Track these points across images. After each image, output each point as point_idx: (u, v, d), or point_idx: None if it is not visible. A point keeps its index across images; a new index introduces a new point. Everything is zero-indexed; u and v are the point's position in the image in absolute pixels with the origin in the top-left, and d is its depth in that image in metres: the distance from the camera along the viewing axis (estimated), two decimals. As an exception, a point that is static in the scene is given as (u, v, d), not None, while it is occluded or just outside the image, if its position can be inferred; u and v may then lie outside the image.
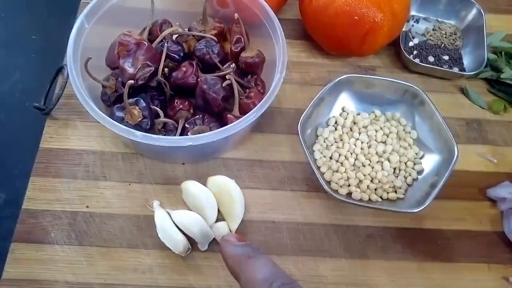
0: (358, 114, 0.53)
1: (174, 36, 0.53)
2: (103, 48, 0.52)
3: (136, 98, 0.46)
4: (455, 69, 0.57)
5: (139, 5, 0.51)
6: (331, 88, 0.51)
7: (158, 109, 0.48)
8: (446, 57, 0.57)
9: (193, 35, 0.53)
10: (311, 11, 0.52)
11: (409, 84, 0.51)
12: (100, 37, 0.51)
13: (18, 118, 0.54)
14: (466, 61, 0.58)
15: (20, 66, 0.57)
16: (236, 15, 0.50)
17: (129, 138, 0.41)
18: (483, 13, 0.59)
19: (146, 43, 0.48)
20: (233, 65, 0.50)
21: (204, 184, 0.47)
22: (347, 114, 0.53)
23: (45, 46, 0.59)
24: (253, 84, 0.52)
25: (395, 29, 0.52)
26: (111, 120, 0.42)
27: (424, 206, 0.44)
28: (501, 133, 0.54)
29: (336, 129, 0.52)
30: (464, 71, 0.57)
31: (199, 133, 0.46)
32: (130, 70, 0.47)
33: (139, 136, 0.41)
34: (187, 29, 0.55)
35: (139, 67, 0.47)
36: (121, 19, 0.51)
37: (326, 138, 0.51)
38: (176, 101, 0.49)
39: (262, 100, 0.45)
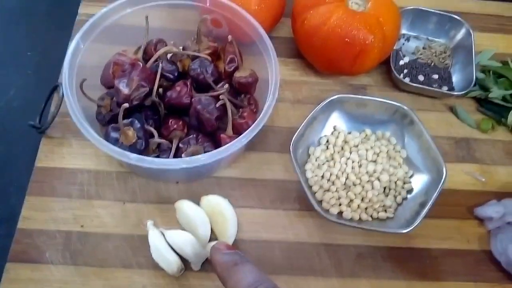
0: (349, 133, 0.54)
1: (169, 55, 0.54)
2: (99, 66, 0.53)
3: (130, 119, 0.47)
4: (444, 88, 0.58)
5: (135, 23, 0.52)
6: (322, 107, 0.52)
7: (152, 129, 0.48)
8: (435, 76, 0.59)
9: (188, 55, 0.54)
10: (303, 32, 0.53)
11: (399, 104, 0.52)
12: (96, 55, 0.52)
13: (13, 135, 0.54)
14: (456, 79, 0.60)
15: (15, 83, 0.57)
16: (229, 37, 0.50)
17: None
18: (471, 32, 0.60)
19: (140, 64, 0.49)
20: (227, 85, 0.50)
21: (198, 203, 0.47)
22: (339, 133, 0.54)
23: (41, 63, 0.59)
24: (246, 104, 0.53)
25: (385, 50, 0.53)
26: (106, 142, 0.43)
27: (412, 227, 0.45)
28: (489, 151, 0.56)
29: (327, 148, 0.53)
30: (453, 89, 0.58)
31: (193, 154, 0.48)
32: (125, 90, 0.47)
33: (133, 159, 0.42)
34: (181, 48, 0.56)
35: (133, 87, 0.47)
36: (117, 37, 0.52)
37: (318, 157, 0.52)
38: (170, 121, 0.50)
39: (255, 122, 0.46)
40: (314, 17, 0.51)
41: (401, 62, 0.60)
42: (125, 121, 0.47)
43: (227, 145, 0.44)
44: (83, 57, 0.49)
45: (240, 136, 0.45)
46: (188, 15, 0.55)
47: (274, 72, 0.49)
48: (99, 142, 0.42)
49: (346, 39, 0.50)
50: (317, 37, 0.52)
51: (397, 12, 0.54)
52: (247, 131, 0.46)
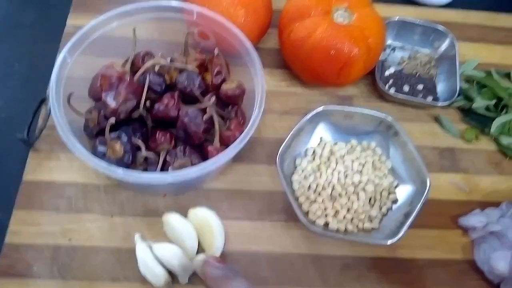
0: (336, 143, 0.55)
1: (157, 67, 0.54)
2: (87, 78, 0.53)
3: (117, 132, 0.47)
4: (429, 98, 0.59)
5: (123, 35, 0.52)
6: (308, 119, 0.52)
7: (139, 142, 0.49)
8: (420, 86, 0.59)
9: (175, 67, 0.54)
10: (289, 45, 0.53)
11: (383, 116, 0.52)
12: (85, 67, 0.52)
13: (0, 148, 0.54)
14: (440, 89, 0.60)
15: (2, 95, 0.57)
16: (216, 50, 0.51)
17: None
18: (455, 43, 0.61)
19: (127, 77, 0.49)
20: (213, 98, 0.51)
21: (185, 216, 0.48)
22: (325, 144, 0.54)
23: (29, 75, 0.59)
24: (233, 115, 0.53)
25: (370, 62, 0.54)
26: (92, 157, 0.43)
27: (396, 239, 0.46)
28: (473, 161, 0.57)
29: (314, 159, 0.54)
30: (438, 100, 0.59)
31: (180, 167, 0.48)
32: (112, 104, 0.48)
33: (120, 174, 0.42)
34: (169, 59, 0.56)
35: (121, 101, 0.48)
36: (105, 49, 0.52)
37: (305, 168, 0.53)
38: (157, 133, 0.50)
39: (242, 134, 0.46)
40: (299, 30, 0.52)
41: (387, 73, 0.61)
42: (112, 134, 0.47)
43: (213, 158, 0.45)
44: (71, 70, 0.49)
45: (227, 149, 0.46)
46: (176, 27, 0.55)
47: (260, 85, 0.49)
48: (86, 157, 0.43)
49: (331, 52, 0.51)
50: (303, 50, 0.52)
51: (382, 24, 0.54)
52: (233, 143, 0.46)
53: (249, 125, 0.47)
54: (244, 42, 0.51)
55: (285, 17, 0.54)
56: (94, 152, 0.47)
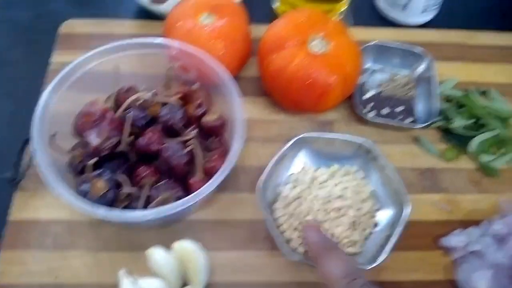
0: (317, 169, 0.56)
1: (139, 101, 0.56)
2: (72, 113, 0.54)
3: (100, 170, 0.48)
4: (409, 120, 0.60)
5: (107, 70, 0.53)
6: (289, 146, 0.53)
7: (122, 178, 0.50)
8: (400, 108, 0.61)
9: (157, 101, 0.55)
10: (268, 75, 0.55)
11: (361, 141, 0.53)
12: (69, 103, 0.53)
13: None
14: (419, 110, 0.62)
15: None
16: (196, 85, 0.52)
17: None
18: (433, 64, 0.62)
19: (109, 114, 0.50)
20: (194, 131, 0.52)
21: (170, 249, 0.49)
22: (307, 170, 0.55)
23: (15, 112, 0.60)
24: (216, 146, 0.54)
25: (347, 89, 0.55)
26: (74, 198, 0.44)
27: (376, 263, 0.46)
28: (453, 180, 0.57)
29: (296, 186, 0.54)
30: (417, 121, 0.60)
31: (163, 202, 0.49)
32: (95, 142, 0.49)
33: (102, 213, 0.43)
34: (152, 92, 0.58)
35: (103, 138, 0.49)
36: (90, 85, 0.53)
37: (287, 196, 0.53)
38: (140, 168, 0.51)
39: (223, 166, 0.47)
40: (277, 61, 0.53)
41: (367, 96, 0.62)
42: (94, 172, 0.48)
43: (195, 192, 0.46)
44: (56, 106, 0.51)
45: (208, 182, 0.47)
46: (158, 60, 0.56)
47: (239, 117, 0.50)
48: (68, 197, 0.44)
49: (308, 81, 0.52)
50: (281, 80, 0.54)
51: (358, 51, 0.56)
52: (215, 176, 0.47)
53: (229, 157, 0.48)
54: (222, 75, 0.52)
55: (263, 48, 0.55)
56: (77, 190, 0.48)
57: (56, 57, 0.63)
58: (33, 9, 0.71)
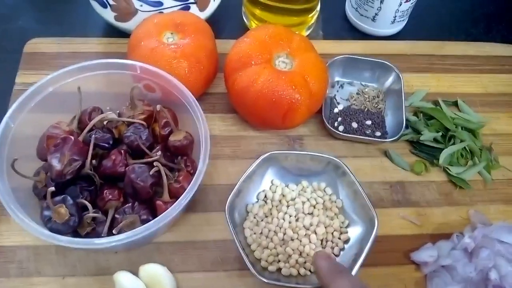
0: (287, 185, 0.55)
1: (104, 122, 0.55)
2: (37, 135, 0.53)
3: (62, 196, 0.47)
4: (378, 133, 0.60)
5: (71, 90, 0.52)
6: (258, 164, 0.53)
7: (86, 202, 0.49)
8: (369, 122, 0.60)
9: (122, 121, 0.55)
10: (234, 93, 0.54)
11: (330, 157, 0.53)
12: (34, 125, 0.52)
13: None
14: (388, 123, 0.61)
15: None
16: (158, 106, 0.52)
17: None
18: (401, 76, 0.62)
19: (72, 137, 0.49)
20: (159, 152, 0.51)
21: (137, 273, 0.48)
22: (276, 187, 0.55)
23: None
24: (183, 166, 0.54)
25: (314, 106, 0.55)
26: (35, 227, 0.43)
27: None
28: (423, 193, 0.57)
29: (265, 203, 0.54)
30: (387, 134, 0.60)
31: (128, 225, 0.48)
32: (58, 166, 0.48)
33: (63, 241, 0.42)
34: (117, 112, 0.57)
35: (66, 162, 0.48)
36: (54, 106, 0.53)
37: (256, 214, 0.53)
38: (105, 191, 0.50)
39: (188, 187, 0.47)
40: (242, 79, 0.53)
41: (336, 110, 0.62)
42: (57, 198, 0.47)
43: (160, 216, 0.45)
44: (20, 128, 0.50)
45: (174, 204, 0.46)
46: (123, 79, 0.55)
47: (204, 137, 0.50)
48: (28, 226, 0.43)
49: (273, 99, 0.52)
50: (247, 98, 0.53)
51: (323, 67, 0.56)
52: (180, 198, 0.47)
53: (193, 179, 0.48)
54: (186, 95, 0.52)
55: (228, 66, 0.55)
56: (41, 216, 0.47)
57: (21, 77, 0.62)
58: (-1, 26, 0.70)
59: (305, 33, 0.70)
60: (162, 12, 0.61)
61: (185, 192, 0.47)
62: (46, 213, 0.47)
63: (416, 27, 0.75)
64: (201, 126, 0.50)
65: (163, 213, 0.46)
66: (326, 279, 0.39)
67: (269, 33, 0.55)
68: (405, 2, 0.67)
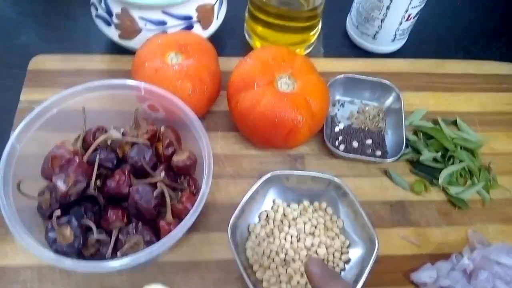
0: (289, 205, 0.56)
1: (108, 141, 0.56)
2: (42, 154, 0.53)
3: (67, 217, 0.48)
4: (378, 152, 0.60)
5: (76, 108, 0.53)
6: (260, 184, 0.54)
7: (91, 223, 0.49)
8: (369, 141, 0.61)
9: (126, 141, 0.55)
10: (237, 113, 0.55)
11: (331, 177, 0.54)
12: (39, 144, 0.52)
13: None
14: (389, 143, 0.62)
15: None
16: (162, 128, 0.52)
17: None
18: (401, 96, 0.63)
19: (77, 159, 0.50)
20: (163, 173, 0.52)
21: (140, 293, 0.49)
22: (278, 207, 0.56)
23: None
24: (186, 185, 0.54)
25: (315, 126, 0.56)
26: (41, 249, 0.44)
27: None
28: (422, 213, 0.58)
29: (267, 223, 0.55)
30: (387, 153, 0.61)
31: (133, 247, 0.49)
32: (63, 188, 0.48)
33: (68, 265, 0.43)
34: (121, 131, 0.58)
35: (71, 184, 0.49)
36: (60, 125, 0.53)
37: (258, 234, 0.54)
38: (109, 212, 0.51)
39: (191, 211, 0.47)
40: (245, 100, 0.54)
41: (336, 129, 0.63)
42: (62, 219, 0.48)
43: (165, 238, 0.46)
44: (25, 147, 0.50)
45: (179, 226, 0.47)
46: (128, 97, 0.56)
47: (207, 159, 0.50)
48: (33, 248, 0.43)
49: (276, 121, 0.52)
50: (250, 119, 0.54)
51: (325, 89, 0.56)
52: (184, 220, 0.47)
53: (197, 202, 0.48)
54: (189, 115, 0.52)
55: (231, 87, 0.56)
56: (46, 237, 0.48)
57: (25, 95, 0.62)
58: (2, 42, 0.70)
59: (307, 50, 0.71)
60: (166, 31, 0.61)
61: (188, 215, 0.47)
62: (51, 234, 0.47)
63: (416, 44, 0.76)
64: (204, 147, 0.51)
65: (168, 236, 0.46)
66: (319, 285, 0.39)
67: (272, 55, 0.55)
68: (405, 20, 0.68)
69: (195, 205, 0.48)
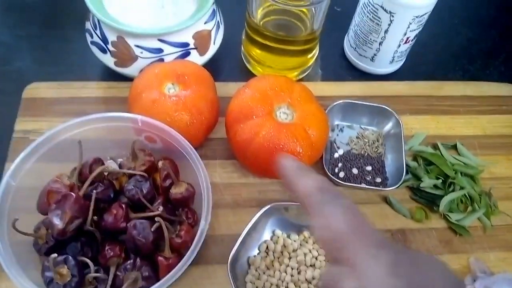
0: (288, 236, 0.55)
1: (106, 172, 0.55)
2: (36, 187, 0.52)
3: (64, 256, 0.47)
4: (378, 179, 0.60)
5: (73, 138, 0.52)
6: (260, 215, 0.53)
7: (87, 260, 0.49)
8: (369, 168, 0.61)
9: (123, 173, 0.54)
10: (236, 143, 0.54)
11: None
12: (36, 175, 0.52)
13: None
14: (389, 168, 0.62)
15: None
16: (160, 163, 0.52)
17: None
18: (401, 122, 0.63)
19: (73, 195, 0.49)
20: (161, 207, 0.51)
21: (139, 331, 0.48)
22: (278, 238, 0.55)
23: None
24: (184, 218, 0.54)
25: (314, 156, 0.55)
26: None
27: None
28: (423, 241, 0.58)
29: (267, 254, 0.54)
30: (387, 179, 0.60)
31: (132, 284, 0.48)
32: (59, 225, 0.48)
33: (65, 307, 0.42)
34: (118, 163, 0.57)
35: (67, 220, 0.48)
36: (53, 156, 0.52)
37: (258, 267, 0.53)
38: (106, 248, 0.50)
39: (189, 252, 0.47)
40: (244, 131, 0.53)
41: (336, 155, 0.62)
42: (59, 258, 0.47)
43: (163, 280, 0.45)
44: (21, 180, 0.50)
45: (179, 264, 0.46)
46: (125, 127, 0.55)
47: (206, 193, 0.50)
48: (29, 289, 0.43)
49: (275, 152, 0.52)
50: (249, 150, 0.53)
51: (324, 118, 0.56)
52: (183, 259, 0.47)
53: (197, 237, 0.48)
54: (187, 147, 0.52)
55: (229, 117, 0.55)
56: (43, 276, 0.47)
57: (20, 125, 0.61)
58: (-4, 68, 0.70)
59: (305, 73, 0.71)
60: (162, 59, 0.60)
61: (188, 253, 0.47)
62: (48, 274, 0.47)
63: (414, 64, 0.75)
64: (203, 182, 0.50)
65: (167, 276, 0.46)
66: (291, 176, 0.36)
67: (270, 84, 0.55)
68: (403, 43, 0.67)
69: (194, 242, 0.47)
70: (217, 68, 0.70)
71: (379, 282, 0.27)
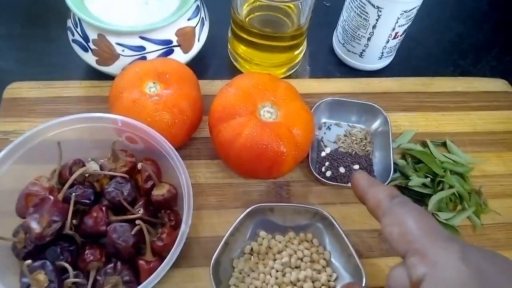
0: (273, 237, 0.54)
1: (86, 174, 0.54)
2: (15, 189, 0.51)
3: (42, 262, 0.46)
4: (366, 179, 0.59)
5: (54, 139, 0.51)
6: (244, 216, 0.52)
7: (66, 265, 0.47)
8: (356, 166, 0.59)
9: (104, 175, 0.53)
10: (219, 144, 0.53)
11: (316, 208, 0.52)
12: (15, 177, 0.51)
13: None
14: (376, 167, 0.61)
15: None
16: (139, 165, 0.50)
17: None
18: (389, 120, 0.61)
19: (52, 198, 0.48)
20: (141, 210, 0.50)
21: (119, 336, 0.47)
22: (262, 239, 0.54)
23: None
24: (166, 220, 0.53)
25: (300, 156, 0.54)
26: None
27: None
28: (412, 241, 0.56)
29: (251, 257, 0.53)
30: (375, 178, 0.59)
31: (111, 289, 0.47)
32: (37, 229, 0.46)
33: (41, 316, 0.41)
34: (99, 164, 0.56)
35: (45, 224, 0.47)
36: (33, 157, 0.51)
37: (242, 270, 0.52)
38: (86, 252, 0.49)
39: (169, 255, 0.46)
40: (227, 131, 0.52)
41: (323, 154, 0.61)
42: (36, 264, 0.46)
43: (144, 283, 0.44)
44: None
45: (160, 267, 0.45)
46: (106, 127, 0.54)
47: (186, 196, 0.49)
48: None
49: (258, 153, 0.51)
50: (232, 150, 0.52)
51: (309, 117, 0.54)
52: (165, 260, 0.46)
53: (177, 240, 0.46)
54: (168, 148, 0.51)
55: (212, 117, 0.54)
56: (20, 282, 0.46)
57: (0, 126, 0.60)
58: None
59: (292, 70, 0.69)
60: (145, 57, 0.59)
61: (168, 257, 0.46)
62: (25, 280, 0.46)
63: (404, 60, 0.74)
64: (184, 184, 0.49)
65: (147, 280, 0.44)
66: (363, 188, 0.40)
67: (254, 82, 0.54)
68: (392, 39, 0.66)
69: (174, 245, 0.46)
70: (203, 65, 0.69)
71: (450, 269, 0.29)
